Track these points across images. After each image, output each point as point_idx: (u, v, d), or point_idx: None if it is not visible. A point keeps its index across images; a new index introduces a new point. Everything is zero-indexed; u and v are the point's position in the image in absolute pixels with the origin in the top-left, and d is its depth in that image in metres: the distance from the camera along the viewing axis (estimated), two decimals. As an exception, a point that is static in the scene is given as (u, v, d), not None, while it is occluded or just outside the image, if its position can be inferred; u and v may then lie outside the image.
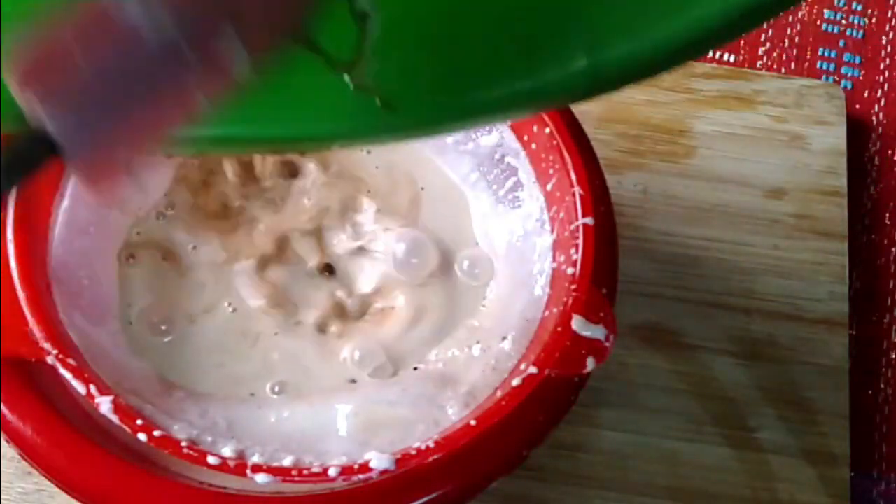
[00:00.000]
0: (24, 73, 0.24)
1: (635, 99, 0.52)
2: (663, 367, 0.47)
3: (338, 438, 0.37)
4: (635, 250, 0.49)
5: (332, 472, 0.34)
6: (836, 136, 0.52)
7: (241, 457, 0.35)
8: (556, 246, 0.40)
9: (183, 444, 0.34)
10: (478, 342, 0.40)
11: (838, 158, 0.52)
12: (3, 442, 0.38)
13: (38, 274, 0.37)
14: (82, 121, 0.25)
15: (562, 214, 0.40)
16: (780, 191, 0.51)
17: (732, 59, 0.55)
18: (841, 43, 0.56)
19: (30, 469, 0.36)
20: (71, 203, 0.39)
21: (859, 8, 0.57)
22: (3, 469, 0.42)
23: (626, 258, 0.49)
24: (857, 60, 0.56)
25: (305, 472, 0.34)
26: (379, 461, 0.34)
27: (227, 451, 0.35)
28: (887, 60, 0.56)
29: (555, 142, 0.40)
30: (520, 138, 0.41)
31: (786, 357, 0.48)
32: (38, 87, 0.24)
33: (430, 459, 0.35)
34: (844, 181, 0.51)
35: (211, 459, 0.34)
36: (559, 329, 0.37)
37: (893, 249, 0.52)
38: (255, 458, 0.35)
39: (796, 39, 0.56)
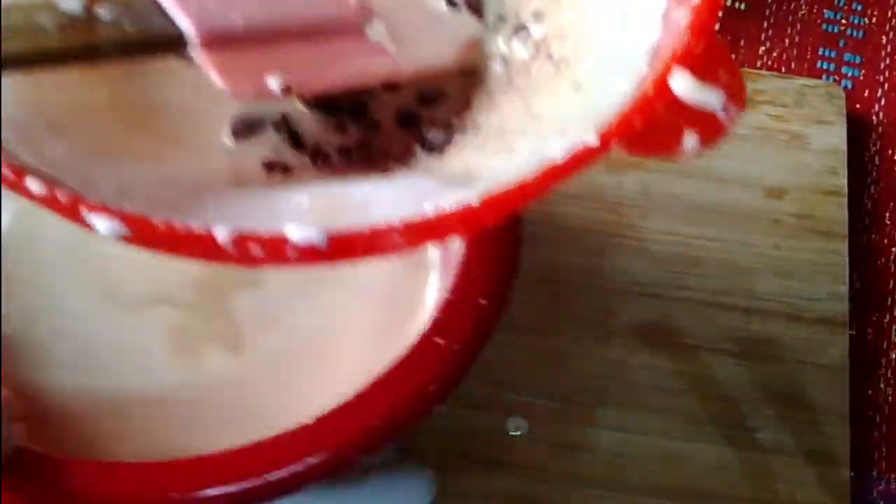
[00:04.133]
0: None
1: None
2: (663, 367, 0.47)
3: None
4: (635, 250, 0.49)
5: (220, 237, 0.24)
6: (836, 136, 0.52)
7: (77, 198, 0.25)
8: (668, 13, 0.28)
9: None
10: (519, 146, 0.30)
11: (838, 158, 0.52)
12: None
13: None
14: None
15: None
16: (780, 191, 0.51)
17: (733, 58, 0.55)
18: (841, 43, 0.56)
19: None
20: None
21: (859, 8, 0.57)
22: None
23: (626, 258, 0.49)
24: (858, 60, 0.56)
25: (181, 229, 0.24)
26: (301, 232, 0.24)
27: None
28: (887, 60, 0.56)
29: None
30: None
31: (786, 357, 0.48)
32: None
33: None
34: (844, 181, 0.51)
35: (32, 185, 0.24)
36: (649, 91, 0.25)
37: (893, 249, 0.52)
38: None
39: (796, 39, 0.56)
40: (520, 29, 0.34)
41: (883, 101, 0.55)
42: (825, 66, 0.56)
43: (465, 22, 0.34)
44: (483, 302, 0.35)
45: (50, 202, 0.24)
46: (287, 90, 0.31)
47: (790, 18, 0.56)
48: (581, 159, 0.25)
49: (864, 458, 0.48)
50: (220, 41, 0.30)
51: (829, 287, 0.49)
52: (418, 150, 0.33)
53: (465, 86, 0.34)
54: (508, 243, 0.36)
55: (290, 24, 0.31)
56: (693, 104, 0.26)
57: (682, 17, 0.27)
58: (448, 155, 0.32)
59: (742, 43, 0.56)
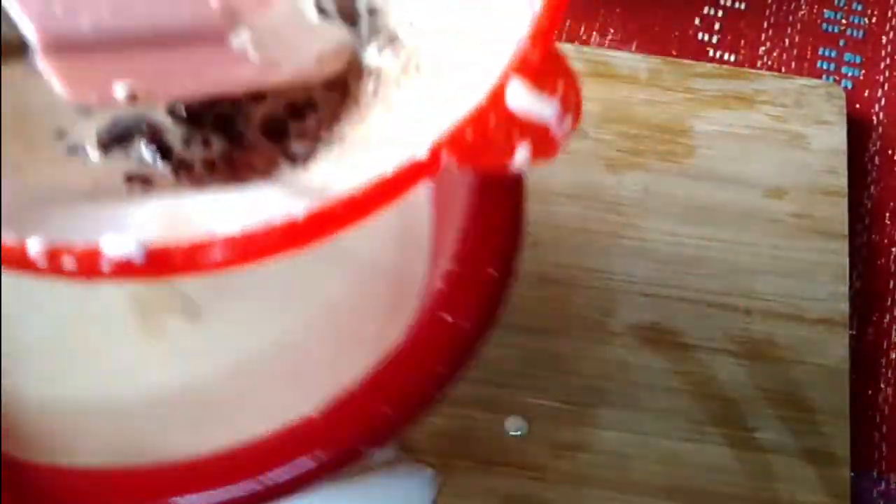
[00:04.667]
0: None
1: (635, 99, 0.52)
2: (663, 367, 0.47)
3: None
4: (635, 250, 0.49)
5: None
6: (836, 136, 0.52)
7: None
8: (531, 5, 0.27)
9: None
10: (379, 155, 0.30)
11: (838, 158, 0.52)
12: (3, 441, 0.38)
13: None
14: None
15: None
16: (780, 191, 0.51)
17: (732, 58, 0.55)
18: (841, 42, 0.56)
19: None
20: None
21: (859, 8, 0.57)
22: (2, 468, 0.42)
23: (626, 258, 0.49)
24: (858, 60, 0.56)
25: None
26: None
27: None
28: (887, 60, 0.56)
29: None
30: None
31: (786, 357, 0.48)
32: None
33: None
34: (844, 181, 0.51)
35: None
36: (482, 101, 0.25)
37: (893, 249, 0.52)
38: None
39: (796, 39, 0.56)
40: (393, 39, 0.33)
41: (883, 101, 0.55)
42: (825, 66, 0.56)
43: (336, 31, 0.33)
44: (492, 272, 0.32)
45: None
46: (133, 98, 0.29)
47: (790, 18, 0.56)
48: (411, 173, 0.24)
49: (864, 458, 0.48)
50: (66, 47, 0.28)
51: (829, 287, 0.49)
52: (283, 162, 0.32)
53: (334, 97, 0.33)
54: (511, 210, 0.34)
55: (143, 30, 0.29)
56: (527, 116, 0.25)
57: (526, 18, 0.26)
58: (311, 169, 0.31)
59: (742, 43, 0.56)
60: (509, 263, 0.32)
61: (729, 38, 0.56)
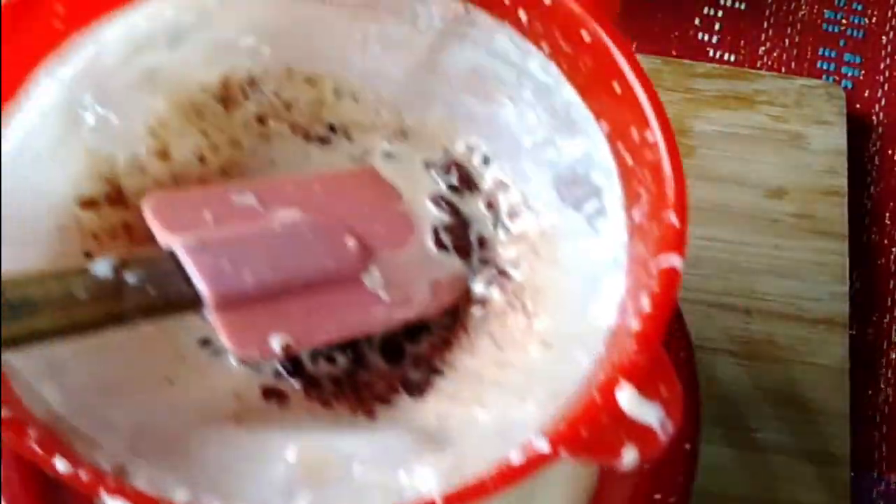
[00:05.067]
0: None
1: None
2: (663, 367, 0.47)
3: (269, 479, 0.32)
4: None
5: None
6: (836, 136, 0.52)
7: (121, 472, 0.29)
8: (628, 293, 0.31)
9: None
10: (490, 401, 0.33)
11: (838, 158, 0.52)
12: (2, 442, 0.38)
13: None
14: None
15: (642, 251, 0.31)
16: (780, 191, 0.51)
17: (732, 58, 0.55)
18: (841, 42, 0.56)
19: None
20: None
21: (859, 8, 0.57)
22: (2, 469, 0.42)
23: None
24: (858, 60, 0.56)
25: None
26: None
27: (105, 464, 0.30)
28: (887, 60, 0.56)
29: (657, 155, 0.31)
30: (613, 149, 0.33)
31: (786, 357, 0.48)
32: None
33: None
34: (844, 181, 0.51)
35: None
36: (597, 397, 0.27)
37: (893, 249, 0.52)
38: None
39: (796, 39, 0.56)
40: (500, 274, 0.36)
41: (883, 101, 0.55)
42: (825, 66, 0.56)
43: (452, 264, 0.37)
44: (687, 447, 0.35)
45: (73, 480, 0.28)
46: (287, 349, 0.32)
47: (790, 18, 0.56)
48: (534, 464, 0.27)
49: (864, 458, 0.48)
50: (232, 302, 0.32)
51: (829, 287, 0.49)
52: (400, 389, 0.35)
53: (447, 323, 0.36)
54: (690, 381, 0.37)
55: (294, 280, 0.33)
56: (633, 417, 0.27)
57: (633, 322, 0.29)
58: (425, 399, 0.34)
59: (742, 43, 0.56)
60: (698, 432, 0.36)
61: (729, 38, 0.56)
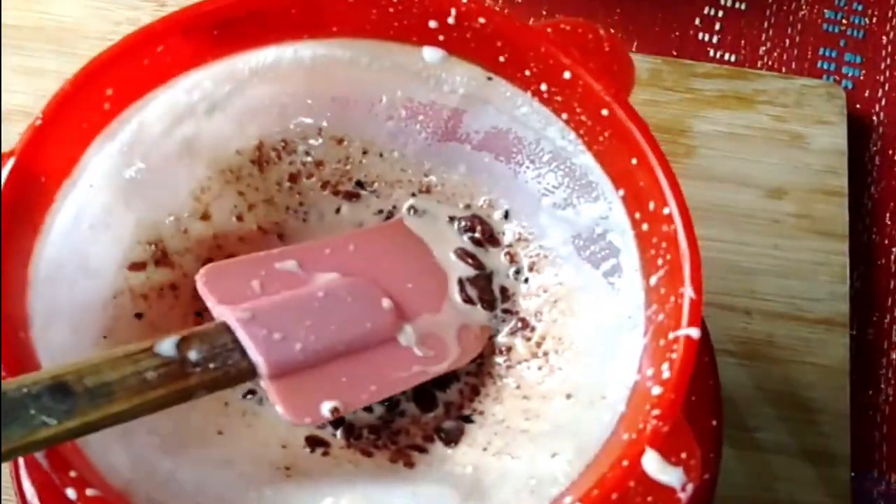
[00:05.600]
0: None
1: (636, 99, 0.52)
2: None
3: None
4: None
5: None
6: (836, 136, 0.52)
7: None
8: (647, 354, 0.33)
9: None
10: (519, 452, 0.35)
11: (838, 158, 0.52)
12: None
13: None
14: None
15: (661, 317, 0.33)
16: (780, 191, 0.51)
17: (733, 58, 0.55)
18: (841, 42, 0.56)
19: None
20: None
21: (860, 8, 0.57)
22: (2, 469, 0.42)
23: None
24: (858, 60, 0.56)
25: None
26: None
27: None
28: (888, 60, 0.56)
29: (673, 227, 0.33)
30: (630, 214, 0.36)
31: (786, 357, 0.48)
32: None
33: None
34: (845, 181, 0.51)
35: None
36: (625, 463, 0.30)
37: (893, 249, 0.52)
38: None
39: (797, 39, 0.56)
40: (523, 325, 0.39)
41: (883, 101, 0.55)
42: (825, 66, 0.56)
43: (479, 315, 0.39)
44: (706, 477, 0.37)
45: None
46: (335, 412, 0.35)
47: (790, 18, 0.56)
48: None
49: (864, 458, 0.48)
50: (285, 371, 0.34)
51: (829, 287, 0.49)
52: (435, 438, 0.37)
53: (473, 371, 0.39)
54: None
55: (339, 345, 0.35)
56: (657, 480, 0.30)
57: (655, 389, 0.31)
58: (460, 449, 0.36)
59: (742, 43, 0.56)
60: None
61: (729, 38, 0.56)
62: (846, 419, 0.47)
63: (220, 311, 0.34)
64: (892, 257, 0.52)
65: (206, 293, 0.35)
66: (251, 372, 0.33)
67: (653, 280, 0.34)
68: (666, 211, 0.34)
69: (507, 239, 0.40)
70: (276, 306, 0.35)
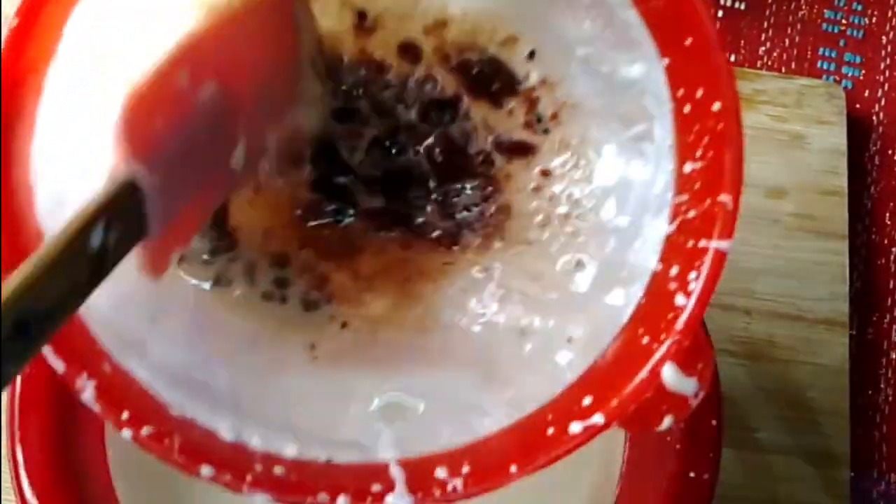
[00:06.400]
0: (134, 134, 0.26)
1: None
2: (663, 367, 0.47)
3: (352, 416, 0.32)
4: (635, 250, 0.49)
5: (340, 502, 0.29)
6: (836, 136, 0.52)
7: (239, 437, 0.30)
8: (670, 245, 0.31)
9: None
10: (534, 332, 0.33)
11: (838, 158, 0.52)
12: (2, 442, 0.38)
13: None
14: (170, 185, 0.27)
15: (691, 214, 0.31)
16: (780, 191, 0.51)
17: (733, 58, 0.55)
18: (841, 42, 0.56)
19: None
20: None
21: (860, 8, 0.57)
22: (2, 469, 0.42)
23: (626, 258, 0.49)
24: (858, 60, 0.56)
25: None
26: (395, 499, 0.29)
27: (226, 432, 0.30)
28: (888, 60, 0.56)
29: (721, 125, 0.30)
30: (673, 88, 0.31)
31: (786, 357, 0.48)
32: (145, 149, 0.26)
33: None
34: (845, 181, 0.51)
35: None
36: (645, 378, 0.29)
37: (893, 249, 0.52)
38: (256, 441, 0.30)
39: (796, 39, 0.56)
40: (543, 175, 0.35)
41: (883, 101, 0.55)
42: (825, 66, 0.56)
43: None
44: (711, 455, 0.38)
45: (216, 480, 0.29)
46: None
47: (790, 18, 0.56)
48: (591, 434, 0.30)
49: (864, 458, 0.48)
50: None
51: (829, 287, 0.49)
52: (457, 252, 0.34)
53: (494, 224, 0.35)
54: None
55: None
56: (672, 391, 0.30)
57: (679, 296, 0.30)
58: (483, 264, 0.34)
59: (742, 43, 0.56)
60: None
61: (729, 38, 0.56)
62: (846, 419, 0.47)
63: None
64: (892, 257, 0.52)
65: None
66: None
67: (687, 167, 0.31)
68: (715, 107, 0.30)
69: (530, 81, 0.35)
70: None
